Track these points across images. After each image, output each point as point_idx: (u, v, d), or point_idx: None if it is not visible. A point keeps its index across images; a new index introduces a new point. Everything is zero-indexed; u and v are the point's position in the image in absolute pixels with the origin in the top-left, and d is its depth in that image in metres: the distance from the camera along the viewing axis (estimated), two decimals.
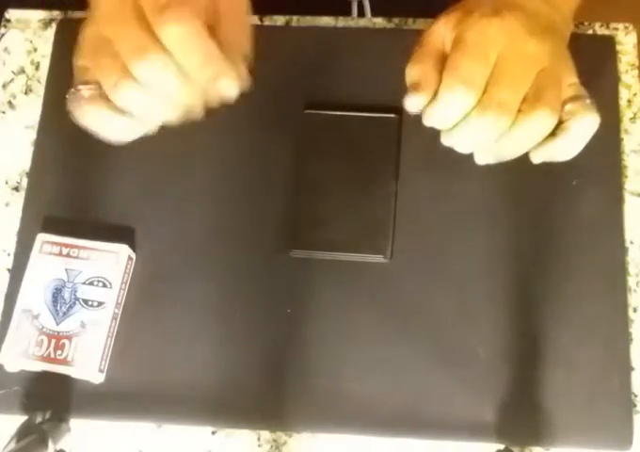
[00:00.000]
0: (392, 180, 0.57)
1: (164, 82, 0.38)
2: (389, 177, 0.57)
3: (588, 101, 0.42)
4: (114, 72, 0.38)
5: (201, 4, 0.39)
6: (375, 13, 0.84)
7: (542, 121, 0.40)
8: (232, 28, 0.41)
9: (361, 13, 0.85)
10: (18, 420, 0.51)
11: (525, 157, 0.59)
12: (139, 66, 0.37)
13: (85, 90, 0.39)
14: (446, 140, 0.42)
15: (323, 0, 0.64)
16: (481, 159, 0.43)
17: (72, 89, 0.40)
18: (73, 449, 0.53)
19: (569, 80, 0.43)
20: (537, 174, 0.57)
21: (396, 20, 0.63)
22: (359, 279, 0.55)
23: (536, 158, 0.43)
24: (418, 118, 0.40)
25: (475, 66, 0.39)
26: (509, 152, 0.42)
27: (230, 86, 0.39)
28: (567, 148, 0.43)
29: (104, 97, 0.39)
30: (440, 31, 0.43)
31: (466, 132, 0.40)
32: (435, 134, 0.41)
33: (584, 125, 0.42)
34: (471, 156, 0.45)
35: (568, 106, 0.42)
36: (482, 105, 0.39)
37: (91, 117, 0.40)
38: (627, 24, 0.62)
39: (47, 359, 0.52)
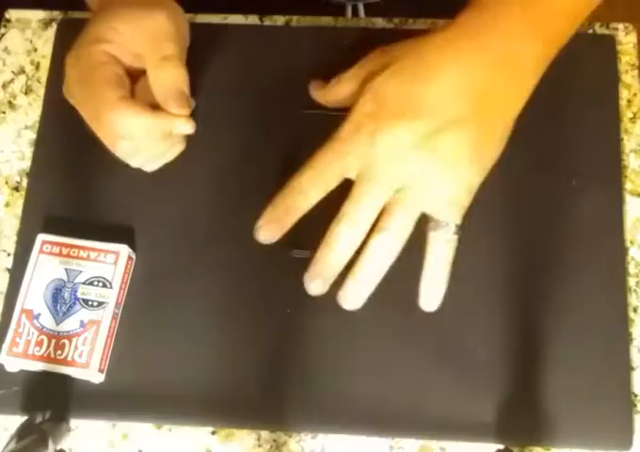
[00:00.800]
0: None
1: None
2: None
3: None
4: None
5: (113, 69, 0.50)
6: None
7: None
8: (159, 68, 0.50)
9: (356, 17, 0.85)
10: (18, 420, 0.51)
11: (525, 157, 0.60)
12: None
13: None
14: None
15: (317, 4, 0.64)
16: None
17: None
18: (73, 449, 0.53)
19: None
20: (537, 174, 0.57)
21: (396, 20, 0.63)
22: None
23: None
24: None
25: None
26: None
27: (181, 130, 0.52)
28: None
29: None
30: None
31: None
32: None
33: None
34: None
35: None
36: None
37: None
38: (627, 24, 0.62)
39: (47, 359, 0.52)
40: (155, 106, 0.51)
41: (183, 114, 0.51)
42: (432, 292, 0.47)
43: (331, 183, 0.46)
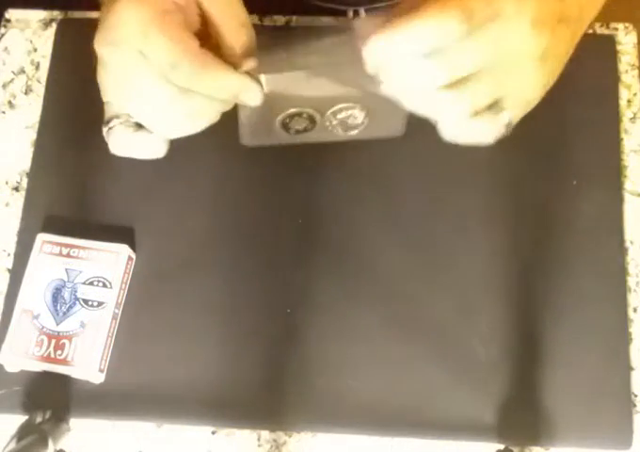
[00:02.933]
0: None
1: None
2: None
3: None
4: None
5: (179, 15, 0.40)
6: None
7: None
8: (226, 26, 0.42)
9: None
10: (18, 420, 0.51)
11: (526, 157, 0.60)
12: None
13: (117, 124, 0.43)
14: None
15: (320, 10, 0.64)
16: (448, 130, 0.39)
17: (106, 125, 0.43)
18: (73, 449, 0.53)
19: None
20: (538, 174, 0.57)
21: None
22: (359, 279, 0.55)
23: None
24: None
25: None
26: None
27: (249, 98, 0.42)
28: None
29: (133, 126, 0.43)
30: None
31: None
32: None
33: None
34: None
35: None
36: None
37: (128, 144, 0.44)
38: (627, 24, 0.62)
39: (47, 359, 0.52)
40: None
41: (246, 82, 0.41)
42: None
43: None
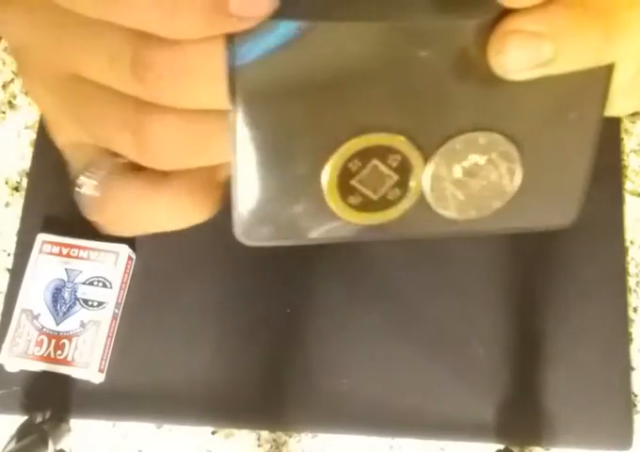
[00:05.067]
0: None
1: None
2: None
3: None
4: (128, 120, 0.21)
5: None
6: None
7: None
8: None
9: None
10: (18, 420, 0.51)
11: None
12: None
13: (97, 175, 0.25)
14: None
15: None
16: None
17: (79, 183, 0.26)
18: (73, 449, 0.53)
19: None
20: None
21: None
22: (359, 279, 0.55)
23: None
24: None
25: None
26: None
27: None
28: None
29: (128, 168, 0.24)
30: None
31: None
32: None
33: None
34: None
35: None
36: None
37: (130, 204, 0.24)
38: None
39: (47, 359, 0.52)
40: None
41: None
42: None
43: None
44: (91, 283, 0.54)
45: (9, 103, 0.62)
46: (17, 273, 0.55)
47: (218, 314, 0.55)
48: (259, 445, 0.53)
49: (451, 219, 0.21)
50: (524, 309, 0.54)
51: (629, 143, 0.59)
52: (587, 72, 0.19)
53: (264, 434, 0.53)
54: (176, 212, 0.25)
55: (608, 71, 0.20)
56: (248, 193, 0.20)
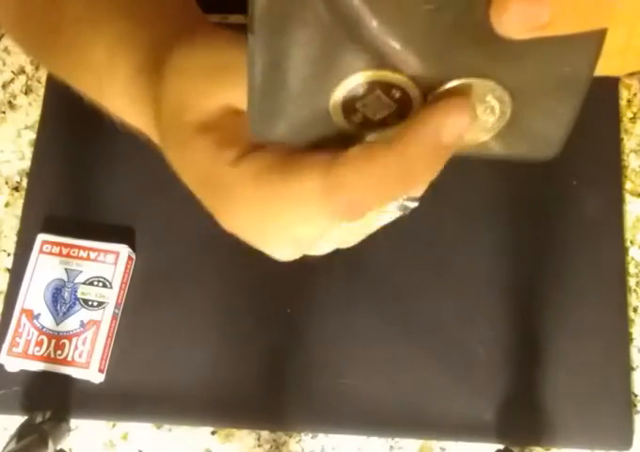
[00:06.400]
0: None
1: None
2: None
3: None
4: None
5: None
6: None
7: None
8: None
9: None
10: (18, 420, 0.51)
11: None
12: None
13: None
14: None
15: None
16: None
17: None
18: (73, 449, 0.53)
19: None
20: (538, 175, 0.57)
21: None
22: (359, 279, 0.55)
23: None
24: None
25: None
26: None
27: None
28: None
29: None
30: None
31: None
32: None
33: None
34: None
35: None
36: None
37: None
38: None
39: (47, 359, 0.52)
40: None
41: None
42: None
43: None
44: (91, 283, 0.54)
45: (9, 103, 0.62)
46: (17, 273, 0.55)
47: (218, 314, 0.55)
48: (259, 445, 0.53)
49: None
50: (524, 309, 0.54)
51: (629, 143, 0.59)
52: (582, 32, 0.20)
53: (264, 434, 0.53)
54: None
55: (601, 31, 0.21)
56: (265, 93, 0.23)
